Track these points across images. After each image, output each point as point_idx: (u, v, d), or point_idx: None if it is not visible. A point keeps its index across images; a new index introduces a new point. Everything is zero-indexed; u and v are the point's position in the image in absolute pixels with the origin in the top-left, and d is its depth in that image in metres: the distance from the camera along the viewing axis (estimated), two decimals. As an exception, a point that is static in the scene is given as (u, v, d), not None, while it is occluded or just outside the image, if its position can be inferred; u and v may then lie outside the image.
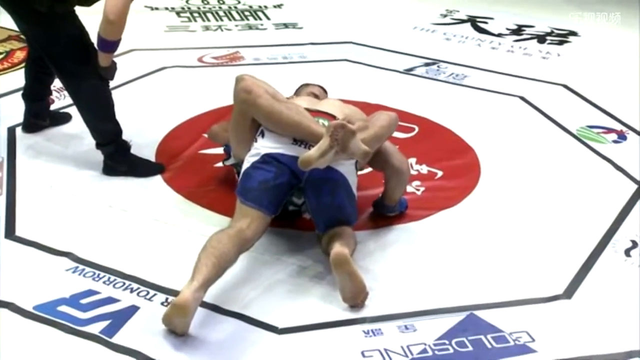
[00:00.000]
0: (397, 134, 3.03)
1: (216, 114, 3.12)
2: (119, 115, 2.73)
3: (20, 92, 2.94)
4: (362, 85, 3.57)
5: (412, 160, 2.93)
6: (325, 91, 2.83)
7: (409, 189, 2.74)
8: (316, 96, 2.69)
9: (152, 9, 4.51)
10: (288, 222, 2.44)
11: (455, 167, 2.94)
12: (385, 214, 2.54)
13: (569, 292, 2.23)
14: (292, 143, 2.22)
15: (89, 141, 2.75)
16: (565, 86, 3.72)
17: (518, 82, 3.75)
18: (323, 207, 2.24)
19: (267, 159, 2.21)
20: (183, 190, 2.65)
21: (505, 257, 2.41)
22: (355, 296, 2.09)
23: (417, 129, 3.23)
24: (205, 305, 2.07)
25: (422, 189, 2.77)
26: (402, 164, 2.47)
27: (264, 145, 2.23)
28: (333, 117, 2.34)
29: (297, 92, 2.80)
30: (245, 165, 2.27)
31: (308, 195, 2.25)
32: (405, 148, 2.90)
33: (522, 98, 3.59)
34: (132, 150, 2.75)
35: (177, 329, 1.95)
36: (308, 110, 2.33)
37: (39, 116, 2.93)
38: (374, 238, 2.45)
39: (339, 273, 2.06)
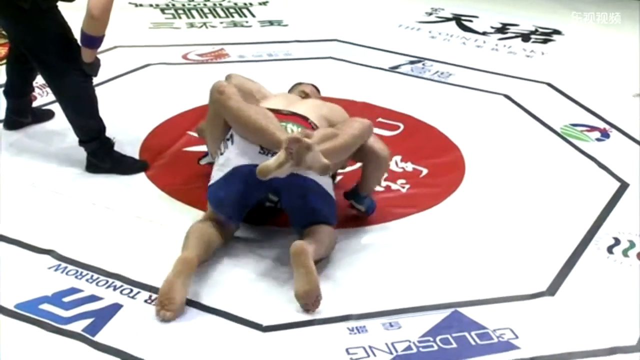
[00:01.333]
0: (382, 132, 3.08)
1: (201, 111, 3.02)
2: (103, 112, 2.71)
3: (1, 89, 2.92)
4: (347, 83, 3.55)
5: (397, 158, 2.94)
6: (318, 90, 2.82)
7: (394, 186, 2.74)
8: (306, 95, 2.67)
9: (136, 5, 4.48)
10: (268, 219, 2.45)
11: (440, 165, 2.94)
12: (354, 206, 2.48)
13: (552, 289, 2.24)
14: (260, 152, 2.18)
15: (72, 138, 2.74)
16: (550, 84, 3.73)
17: (502, 80, 3.76)
18: (295, 210, 2.26)
19: (236, 173, 2.20)
20: (167, 188, 2.65)
21: (490, 255, 2.41)
22: (307, 295, 2.04)
23: (402, 126, 3.23)
24: (189, 303, 2.07)
25: (407, 186, 2.78)
26: (382, 150, 2.43)
27: (233, 156, 2.21)
28: (305, 119, 2.32)
29: (290, 91, 2.79)
30: (216, 172, 2.25)
31: (281, 198, 2.28)
32: (391, 146, 2.83)
33: (507, 96, 3.60)
34: (116, 147, 2.73)
35: (176, 296, 1.97)
36: (279, 112, 2.29)
37: (21, 113, 2.90)
38: (357, 236, 2.45)
39: (295, 265, 2.06)
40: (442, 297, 2.18)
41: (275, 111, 2.29)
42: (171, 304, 1.99)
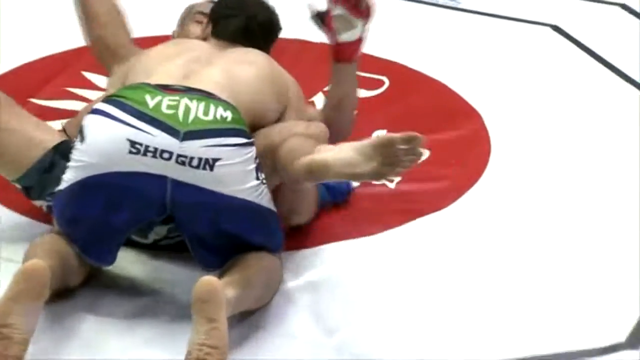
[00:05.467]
0: (358, 92, 2.93)
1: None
2: None
3: None
4: (291, 11, 2.98)
5: (382, 133, 2.68)
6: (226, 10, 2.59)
7: None
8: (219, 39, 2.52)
9: None
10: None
11: (450, 144, 2.85)
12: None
13: (633, 340, 2.20)
14: (131, 151, 2.08)
15: None
16: (624, 6, 3.73)
17: (551, 2, 3.74)
18: (204, 243, 2.19)
19: (93, 186, 2.11)
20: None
21: (533, 287, 2.35)
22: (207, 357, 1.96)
23: (386, 82, 3.14)
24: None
25: (396, 179, 2.68)
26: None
27: (87, 157, 2.11)
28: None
29: (180, 23, 2.72)
30: (70, 167, 2.15)
31: (180, 229, 2.21)
32: (369, 113, 2.82)
33: (555, 27, 3.56)
34: None
35: (18, 323, 1.92)
36: (168, 87, 2.19)
37: None
38: (332, 257, 2.40)
39: (196, 314, 1.97)
40: (475, 351, 2.15)
41: (163, 87, 2.21)
42: (7, 338, 1.91)
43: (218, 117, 2.09)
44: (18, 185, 2.35)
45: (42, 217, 2.43)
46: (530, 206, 2.65)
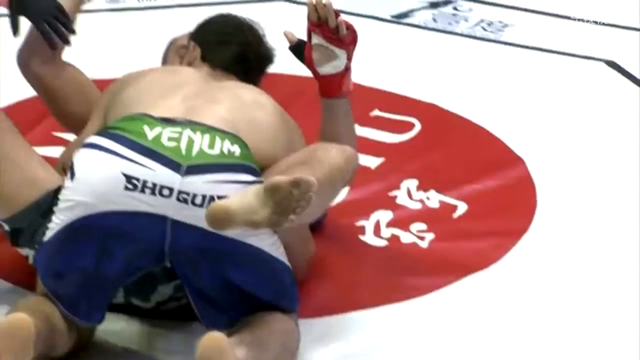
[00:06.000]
0: (382, 136, 3.00)
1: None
2: None
3: None
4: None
5: (411, 184, 2.78)
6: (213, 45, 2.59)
7: (406, 236, 2.59)
8: (214, 74, 2.49)
9: None
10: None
11: (490, 195, 2.79)
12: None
13: None
14: (127, 187, 2.03)
15: None
16: None
17: (604, 35, 3.68)
18: (211, 300, 2.12)
19: (85, 229, 2.07)
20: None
21: (586, 352, 2.25)
22: None
23: (417, 125, 3.07)
24: None
25: (429, 236, 2.60)
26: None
27: (78, 195, 2.07)
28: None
29: (164, 60, 2.67)
30: (57, 216, 2.11)
31: (182, 280, 2.14)
32: (397, 160, 2.84)
33: (611, 63, 3.49)
34: None
35: None
36: (169, 120, 2.17)
37: None
38: (361, 325, 2.30)
39: None
40: None
41: (164, 119, 2.17)
42: None
43: (225, 151, 2.06)
44: (6, 227, 2.27)
45: (24, 280, 2.36)
46: (583, 265, 2.57)
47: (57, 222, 2.10)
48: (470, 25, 3.67)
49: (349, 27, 2.40)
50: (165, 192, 2.00)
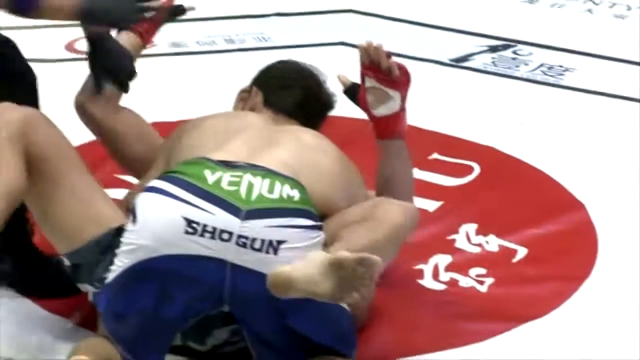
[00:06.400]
0: (440, 179, 3.01)
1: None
2: None
3: None
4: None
5: (470, 228, 2.77)
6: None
7: (465, 281, 2.58)
8: (275, 120, 2.51)
9: None
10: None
11: (551, 240, 2.76)
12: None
13: None
14: (187, 230, 2.05)
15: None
16: None
17: None
18: (268, 341, 2.12)
19: (146, 273, 2.09)
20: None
21: None
22: None
23: (476, 169, 3.07)
24: None
25: (488, 280, 2.58)
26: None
27: (140, 239, 2.10)
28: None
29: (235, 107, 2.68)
30: (118, 259, 2.13)
31: (240, 324, 2.14)
32: (457, 204, 2.85)
33: None
34: None
35: None
36: (230, 163, 2.18)
37: None
38: None
39: None
40: None
41: (225, 163, 2.18)
42: None
43: (284, 195, 2.07)
44: (67, 261, 2.30)
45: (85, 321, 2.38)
46: None
47: (119, 264, 2.12)
48: (530, 69, 3.68)
49: (402, 69, 2.42)
50: (225, 236, 2.02)
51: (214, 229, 2.02)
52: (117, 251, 2.15)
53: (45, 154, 2.24)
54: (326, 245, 2.14)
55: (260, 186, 2.09)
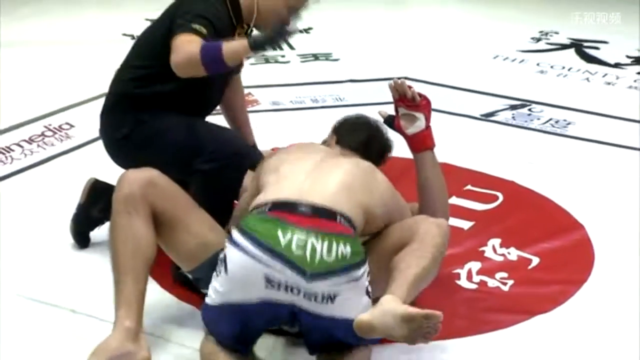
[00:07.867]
0: (471, 205, 3.18)
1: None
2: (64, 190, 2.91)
3: None
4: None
5: (496, 242, 2.97)
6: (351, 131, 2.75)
7: (491, 282, 2.77)
8: (343, 153, 2.64)
9: (133, 37, 4.45)
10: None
11: (558, 252, 2.94)
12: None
13: None
14: (267, 286, 2.21)
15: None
16: None
17: None
18: (318, 341, 2.33)
19: (235, 310, 2.27)
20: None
21: None
22: None
23: (501, 197, 3.26)
24: None
25: (509, 282, 2.77)
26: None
27: (228, 287, 2.26)
28: (332, 217, 2.31)
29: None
30: (212, 287, 2.31)
31: (300, 329, 2.36)
32: (485, 223, 3.00)
33: None
34: None
35: None
36: (282, 208, 2.29)
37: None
38: (443, 354, 2.43)
39: None
40: None
41: (280, 206, 2.30)
42: None
43: (339, 255, 2.20)
44: (190, 276, 2.53)
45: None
46: (634, 309, 2.62)
47: (214, 296, 2.28)
48: (541, 122, 3.92)
49: (422, 96, 2.68)
50: (295, 291, 2.20)
51: (287, 286, 2.20)
52: (213, 280, 2.30)
53: (165, 208, 2.41)
54: (371, 270, 2.26)
55: (321, 250, 2.21)
